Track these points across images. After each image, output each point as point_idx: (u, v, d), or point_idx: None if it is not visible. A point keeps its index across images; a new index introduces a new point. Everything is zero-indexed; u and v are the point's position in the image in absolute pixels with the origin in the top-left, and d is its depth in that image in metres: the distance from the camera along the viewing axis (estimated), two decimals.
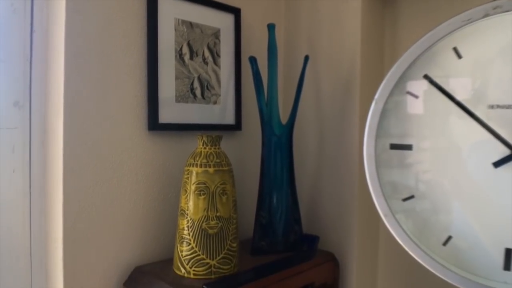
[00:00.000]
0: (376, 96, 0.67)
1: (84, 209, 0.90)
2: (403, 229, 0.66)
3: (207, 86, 1.10)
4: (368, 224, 1.18)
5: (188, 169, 0.90)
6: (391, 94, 0.66)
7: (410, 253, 0.65)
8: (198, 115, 1.08)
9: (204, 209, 0.88)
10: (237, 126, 1.18)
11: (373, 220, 1.19)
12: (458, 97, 0.62)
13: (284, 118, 1.11)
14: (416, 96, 0.66)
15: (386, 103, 0.67)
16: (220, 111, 1.14)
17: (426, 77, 0.64)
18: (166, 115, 1.01)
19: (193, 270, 0.87)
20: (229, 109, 1.16)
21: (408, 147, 0.67)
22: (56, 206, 0.90)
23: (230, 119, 1.16)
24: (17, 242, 0.92)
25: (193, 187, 0.88)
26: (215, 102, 1.12)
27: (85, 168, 0.90)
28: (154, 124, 0.99)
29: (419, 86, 0.65)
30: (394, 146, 0.68)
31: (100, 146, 0.92)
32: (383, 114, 0.67)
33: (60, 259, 0.88)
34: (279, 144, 1.07)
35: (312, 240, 1.08)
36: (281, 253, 1.07)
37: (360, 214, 1.13)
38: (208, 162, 0.89)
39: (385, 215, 0.68)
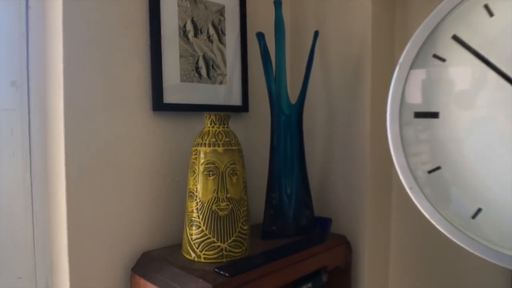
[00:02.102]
0: (401, 61, 0.63)
1: (88, 194, 0.86)
2: (429, 202, 0.62)
3: (212, 65, 1.05)
4: (380, 205, 1.14)
5: (196, 149, 0.86)
6: (416, 58, 0.62)
7: (438, 226, 0.62)
8: (204, 95, 1.04)
9: (214, 190, 0.84)
10: (244, 107, 1.13)
11: (385, 202, 1.16)
12: (491, 59, 0.57)
13: (293, 97, 1.07)
14: (443, 60, 0.62)
15: (411, 67, 0.62)
16: (227, 92, 1.10)
17: (454, 38, 0.60)
18: (171, 95, 0.97)
19: (204, 254, 0.84)
20: (235, 89, 1.12)
21: (434, 115, 0.63)
22: (58, 191, 0.86)
23: (236, 100, 1.12)
24: (19, 229, 0.88)
25: (201, 168, 0.85)
26: (221, 82, 1.08)
27: (88, 151, 0.86)
28: (158, 104, 0.95)
29: (447, 49, 0.61)
30: (419, 115, 0.64)
31: (103, 128, 0.88)
32: (408, 80, 0.63)
33: (65, 246, 0.84)
34: (288, 124, 1.03)
35: (324, 222, 1.04)
36: (292, 237, 1.03)
37: (372, 196, 1.09)
38: (217, 141, 0.85)
39: (410, 188, 0.64)
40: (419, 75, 0.64)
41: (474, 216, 0.61)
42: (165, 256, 0.88)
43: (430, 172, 0.63)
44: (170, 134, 0.99)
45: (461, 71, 0.61)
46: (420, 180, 0.64)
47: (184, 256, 0.87)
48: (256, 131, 1.19)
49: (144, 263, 0.88)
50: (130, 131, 0.92)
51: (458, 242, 0.60)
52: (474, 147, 0.61)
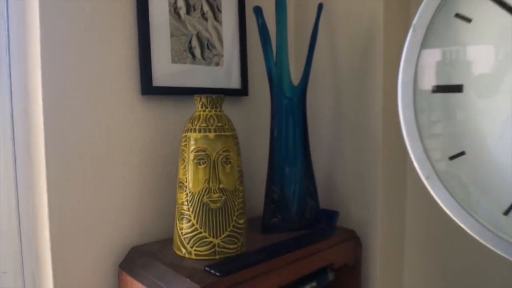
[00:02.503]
0: (415, 22, 0.53)
1: (70, 185, 0.79)
2: (450, 194, 0.52)
3: (207, 45, 0.97)
4: (394, 197, 1.05)
5: (186, 135, 0.79)
6: (434, 18, 0.51)
7: (461, 224, 0.52)
8: (199, 78, 0.96)
9: (205, 181, 0.76)
10: (243, 91, 1.05)
11: (399, 193, 1.06)
12: None
13: (295, 79, 0.98)
14: (469, 20, 0.51)
15: (428, 30, 0.52)
16: (224, 74, 1.01)
17: None
18: (161, 78, 0.89)
19: (195, 250, 0.76)
20: (234, 71, 1.03)
21: (457, 89, 0.52)
22: (40, 182, 0.79)
23: (235, 83, 1.04)
24: (3, 221, 0.82)
25: (191, 156, 0.77)
26: (217, 64, 0.99)
27: (69, 139, 0.79)
28: (147, 87, 0.87)
29: (473, 5, 0.50)
30: (438, 88, 0.54)
31: (86, 114, 0.81)
32: (424, 45, 0.52)
33: (47, 240, 0.78)
34: (290, 108, 0.94)
35: (330, 216, 0.96)
36: (295, 231, 0.95)
37: (384, 185, 1.00)
38: (208, 126, 0.77)
39: (427, 177, 0.54)
40: (437, 40, 0.53)
41: (507, 212, 0.51)
42: (155, 252, 0.81)
43: (451, 158, 0.53)
44: (160, 120, 0.91)
45: (492, 33, 0.51)
46: (439, 168, 0.54)
47: (175, 252, 0.80)
48: (257, 117, 1.10)
49: (132, 259, 0.82)
50: (116, 117, 0.85)
51: (485, 243, 0.50)
52: (506, 128, 0.50)
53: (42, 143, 0.77)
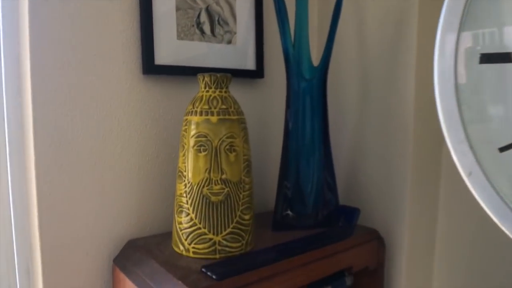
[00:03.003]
0: None
1: (61, 171, 0.73)
2: (497, 194, 0.41)
3: (218, 20, 0.88)
4: (424, 193, 0.93)
5: (186, 119, 0.70)
6: None
7: (507, 231, 0.41)
8: (207, 56, 0.87)
9: (206, 170, 0.67)
10: (258, 72, 0.95)
11: (431, 189, 0.94)
12: None
13: (316, 60, 0.87)
14: None
15: None
16: (237, 53, 0.92)
17: None
18: (165, 56, 0.81)
19: (193, 248, 0.68)
20: (248, 50, 0.93)
21: (507, 58, 0.40)
22: (30, 168, 0.73)
23: (249, 63, 0.94)
24: None
25: (191, 141, 0.68)
26: (229, 41, 0.90)
27: (61, 121, 0.72)
28: (149, 66, 0.79)
29: None
30: (487, 58, 0.42)
31: (79, 94, 0.74)
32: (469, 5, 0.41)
33: (36, 228, 0.72)
34: (309, 91, 0.84)
35: (350, 213, 0.85)
36: (310, 229, 0.85)
37: (414, 180, 0.88)
38: (210, 108, 0.68)
39: (469, 174, 0.43)
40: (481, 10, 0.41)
41: None
42: (151, 247, 0.74)
43: (502, 150, 0.42)
44: (163, 103, 0.83)
45: None
46: (485, 163, 0.43)
47: (173, 249, 0.72)
48: (273, 102, 1.00)
49: (127, 254, 0.75)
50: (114, 99, 0.77)
51: None
52: None
53: (31, 124, 0.70)
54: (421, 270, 0.96)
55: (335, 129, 0.94)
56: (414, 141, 0.88)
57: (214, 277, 0.60)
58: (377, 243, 0.87)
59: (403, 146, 0.89)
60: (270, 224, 0.85)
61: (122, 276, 0.71)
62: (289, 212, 0.85)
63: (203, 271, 0.63)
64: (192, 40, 0.84)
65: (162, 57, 0.80)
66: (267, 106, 0.99)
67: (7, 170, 0.77)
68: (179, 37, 0.82)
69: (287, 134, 0.85)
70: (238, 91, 0.90)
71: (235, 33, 0.91)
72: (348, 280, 0.83)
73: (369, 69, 0.95)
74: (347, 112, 1.00)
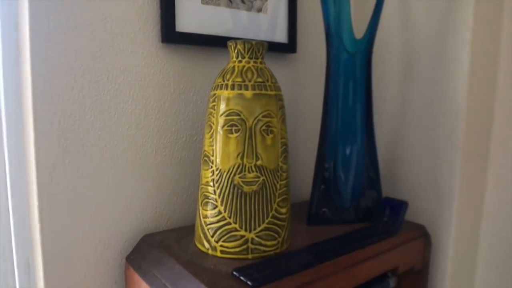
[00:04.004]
0: None
1: (65, 154, 0.62)
2: None
3: None
4: (473, 185, 0.82)
5: (215, 93, 0.59)
6: None
7: None
8: (235, 25, 0.75)
9: (238, 155, 0.57)
10: (290, 46, 0.84)
11: (479, 181, 0.83)
12: None
13: (358, 32, 0.75)
14: None
15: None
16: (267, 24, 0.80)
17: None
18: (187, 22, 0.70)
19: (221, 246, 0.58)
20: (280, 21, 0.82)
21: None
22: (30, 150, 0.63)
23: (281, 35, 0.82)
24: None
25: (221, 121, 0.57)
26: (259, 10, 0.79)
27: (64, 95, 0.61)
28: (169, 33, 0.68)
29: None
30: None
31: (88, 64, 0.63)
32: None
33: (36, 220, 0.62)
34: (352, 66, 0.72)
35: (397, 207, 0.74)
36: (350, 224, 0.74)
37: (463, 173, 0.78)
38: (244, 81, 0.57)
39: None
40: None
41: None
42: (171, 243, 0.63)
43: None
44: (185, 76, 0.72)
45: None
46: None
47: (196, 246, 0.62)
48: (307, 79, 0.89)
49: (142, 251, 0.64)
50: (129, 70, 0.66)
51: None
52: None
53: (30, 98, 0.59)
54: (465, 269, 0.86)
55: (377, 112, 0.83)
56: (465, 128, 0.77)
57: (249, 283, 0.50)
58: (424, 241, 0.77)
59: (453, 133, 0.78)
60: (303, 216, 0.75)
61: (136, 277, 0.61)
62: (326, 204, 0.74)
63: (235, 275, 0.52)
64: (219, 5, 0.73)
65: (184, 23, 0.69)
66: (298, 85, 0.88)
67: (3, 152, 0.67)
68: (204, 2, 0.71)
69: (326, 115, 0.74)
70: (268, 66, 0.79)
71: (266, 0, 0.79)
72: (392, 282, 0.73)
73: (416, 45, 0.83)
74: (388, 94, 0.88)
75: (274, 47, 0.81)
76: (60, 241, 0.63)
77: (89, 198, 0.65)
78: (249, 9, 0.77)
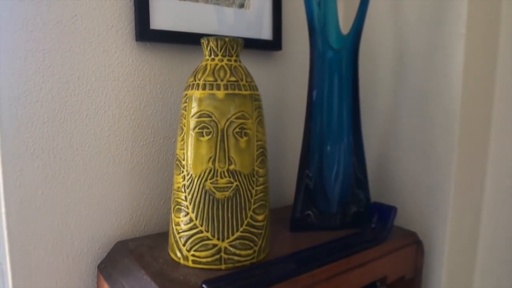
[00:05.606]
0: None
1: (34, 157, 0.59)
2: None
3: None
4: (469, 189, 0.78)
5: (186, 94, 0.56)
6: None
7: None
8: (214, 21, 0.72)
9: (209, 159, 0.53)
10: (275, 43, 0.80)
11: (475, 183, 0.79)
12: None
13: (345, 28, 0.72)
14: None
15: None
16: (250, 20, 0.77)
17: None
18: (163, 19, 0.67)
19: (193, 255, 0.55)
20: (264, 17, 0.78)
21: None
22: None
23: (265, 32, 0.79)
24: None
25: (192, 123, 0.54)
26: (241, 5, 0.75)
27: (32, 96, 0.58)
28: (143, 31, 0.65)
29: None
30: None
31: (58, 63, 0.60)
32: None
33: (3, 226, 0.59)
34: (337, 64, 0.69)
35: (385, 212, 0.70)
36: (336, 230, 0.71)
37: (459, 175, 0.74)
38: (216, 81, 0.54)
39: None
40: None
41: None
42: (144, 251, 0.60)
43: None
44: (161, 76, 0.69)
45: None
46: None
47: (169, 254, 0.59)
48: (292, 78, 0.85)
49: (114, 259, 0.61)
50: (101, 69, 0.63)
51: None
52: None
53: None
54: (462, 278, 0.82)
55: (364, 112, 0.79)
56: (460, 128, 0.73)
57: None
58: (416, 249, 0.73)
59: (447, 132, 0.74)
60: (287, 223, 0.72)
61: (106, 287, 0.58)
62: (310, 209, 0.71)
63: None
64: (196, 1, 0.70)
65: (160, 20, 0.66)
66: (284, 83, 0.85)
67: None
68: None
69: (310, 114, 0.70)
70: (250, 65, 0.76)
71: None
72: None
73: (407, 40, 0.79)
74: (379, 91, 0.84)
75: (258, 45, 0.78)
76: (29, 248, 0.60)
77: (60, 203, 0.62)
78: (230, 5, 0.74)
